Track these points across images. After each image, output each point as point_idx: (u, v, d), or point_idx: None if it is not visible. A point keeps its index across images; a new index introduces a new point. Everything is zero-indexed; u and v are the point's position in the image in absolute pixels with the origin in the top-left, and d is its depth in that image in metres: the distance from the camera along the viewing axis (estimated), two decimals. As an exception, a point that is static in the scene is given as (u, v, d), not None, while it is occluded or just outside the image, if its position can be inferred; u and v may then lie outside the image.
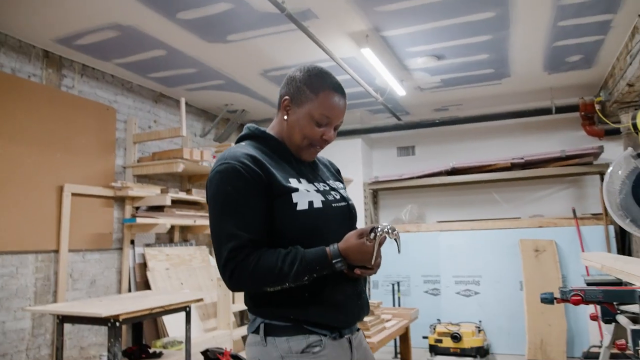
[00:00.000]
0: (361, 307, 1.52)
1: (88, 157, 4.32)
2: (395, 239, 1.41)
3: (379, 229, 1.37)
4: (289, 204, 1.40)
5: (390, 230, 1.38)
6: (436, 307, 5.69)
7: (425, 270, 5.88)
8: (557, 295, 2.18)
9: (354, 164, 6.51)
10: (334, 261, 1.35)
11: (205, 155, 4.85)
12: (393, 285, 5.70)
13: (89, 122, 4.36)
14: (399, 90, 5.24)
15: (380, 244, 1.38)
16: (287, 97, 1.51)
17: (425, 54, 4.51)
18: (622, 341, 2.08)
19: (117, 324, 2.86)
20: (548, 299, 2.20)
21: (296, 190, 1.42)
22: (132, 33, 3.81)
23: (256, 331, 1.42)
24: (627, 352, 1.93)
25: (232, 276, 1.33)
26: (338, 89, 1.51)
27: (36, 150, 3.86)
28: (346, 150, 6.51)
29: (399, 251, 1.51)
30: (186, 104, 5.39)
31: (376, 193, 6.86)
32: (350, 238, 1.38)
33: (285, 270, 1.32)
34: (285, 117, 1.52)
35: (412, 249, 5.97)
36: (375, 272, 1.46)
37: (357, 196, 6.33)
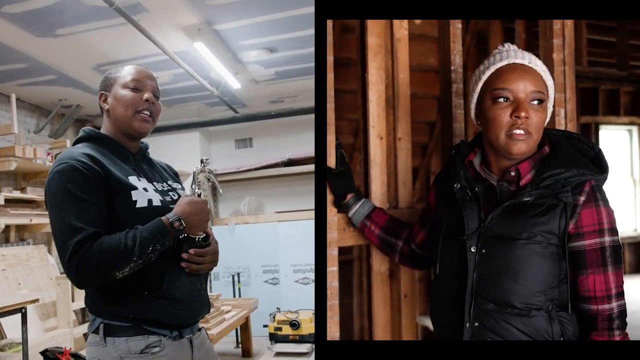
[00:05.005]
0: (201, 304, 1.54)
1: None
2: (213, 180, 1.56)
3: (194, 177, 1.53)
4: (127, 201, 1.43)
5: (201, 174, 1.53)
6: (276, 296, 5.83)
7: (265, 261, 5.99)
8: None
9: (192, 158, 6.26)
10: (171, 220, 1.39)
11: (38, 152, 4.75)
12: (233, 276, 5.71)
13: None
14: (234, 83, 5.24)
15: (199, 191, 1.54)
16: (101, 92, 1.61)
17: (258, 47, 4.56)
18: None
19: None
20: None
21: (135, 188, 1.46)
22: (-48, 27, 3.55)
23: (96, 331, 1.43)
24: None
25: (78, 269, 1.31)
26: (136, 65, 1.63)
27: None
28: (184, 144, 6.31)
29: (219, 192, 1.69)
30: (18, 99, 5.19)
31: (215, 186, 6.78)
32: (180, 199, 1.50)
33: (130, 244, 1.32)
34: (107, 107, 1.58)
35: (252, 240, 6.03)
36: (209, 262, 1.52)
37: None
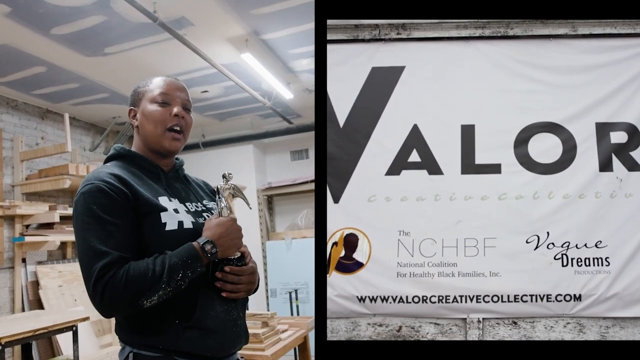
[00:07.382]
0: (237, 334, 1.43)
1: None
2: (239, 196, 1.49)
3: (219, 195, 1.44)
4: (157, 223, 1.35)
5: (226, 191, 1.45)
6: (336, 312, 5.60)
7: (324, 276, 5.77)
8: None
9: (247, 171, 6.28)
10: (202, 244, 1.32)
11: (91, 169, 4.80)
12: (290, 293, 5.55)
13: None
14: (286, 94, 5.11)
15: (229, 207, 1.44)
16: (130, 107, 1.55)
17: (308, 55, 4.41)
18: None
19: (-2, 348, 2.77)
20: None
21: (165, 209, 1.38)
22: (9, 51, 3.75)
23: None
24: None
25: (103, 296, 1.23)
26: (165, 77, 1.56)
27: None
28: (238, 157, 6.26)
29: (248, 206, 1.62)
30: (74, 118, 5.44)
31: (271, 199, 6.68)
32: (207, 222, 1.41)
33: (158, 270, 1.25)
34: (136, 124, 1.51)
35: (310, 254, 5.77)
36: (245, 284, 1.43)
37: (251, 203, 6.09)
